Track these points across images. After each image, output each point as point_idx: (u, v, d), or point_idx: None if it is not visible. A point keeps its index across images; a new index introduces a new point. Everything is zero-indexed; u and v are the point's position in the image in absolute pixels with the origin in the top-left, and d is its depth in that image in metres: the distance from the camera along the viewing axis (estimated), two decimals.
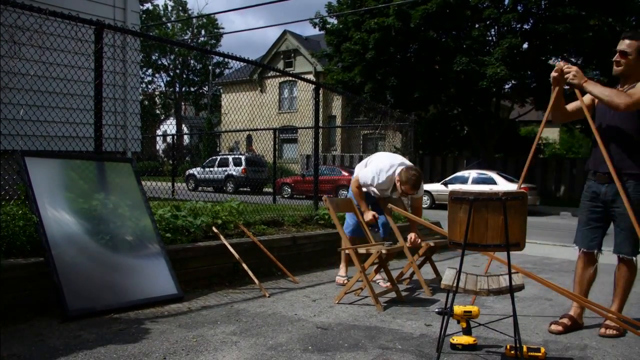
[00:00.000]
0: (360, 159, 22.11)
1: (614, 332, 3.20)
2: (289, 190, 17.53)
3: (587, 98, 3.37)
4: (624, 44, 3.18)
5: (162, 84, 44.24)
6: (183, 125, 39.50)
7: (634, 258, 3.25)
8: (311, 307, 3.77)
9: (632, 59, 3.16)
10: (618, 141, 3.21)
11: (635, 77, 3.18)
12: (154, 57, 42.04)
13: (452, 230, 2.60)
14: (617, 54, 3.22)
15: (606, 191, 3.25)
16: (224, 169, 17.96)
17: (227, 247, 4.34)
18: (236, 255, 4.31)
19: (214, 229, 4.60)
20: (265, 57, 31.57)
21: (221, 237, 4.48)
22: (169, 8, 43.85)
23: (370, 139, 25.53)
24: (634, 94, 3.06)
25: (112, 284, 3.47)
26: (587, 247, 3.35)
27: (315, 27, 22.63)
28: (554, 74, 3.28)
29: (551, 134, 33.28)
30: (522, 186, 3.91)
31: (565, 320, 3.32)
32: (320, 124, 6.63)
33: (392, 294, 4.12)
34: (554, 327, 3.29)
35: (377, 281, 4.58)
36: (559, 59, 3.40)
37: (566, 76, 3.22)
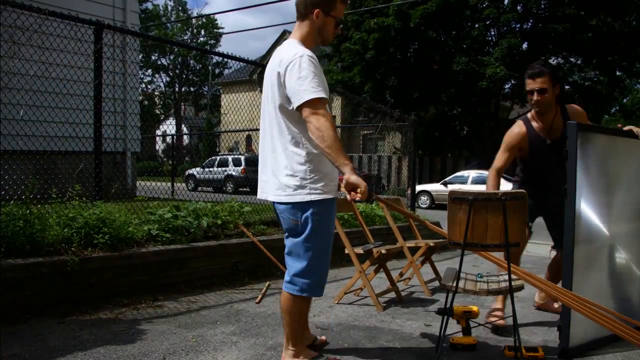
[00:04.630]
0: (360, 159, 22.12)
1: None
2: None
3: None
4: (539, 82, 3.23)
5: (161, 84, 44.28)
6: (182, 126, 39.50)
7: None
8: (311, 307, 3.76)
9: (550, 94, 3.25)
10: None
11: (552, 110, 3.31)
12: (153, 57, 42.04)
13: (452, 230, 2.60)
14: (536, 93, 3.24)
15: None
16: (223, 169, 17.94)
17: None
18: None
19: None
20: (264, 57, 31.57)
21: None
22: (169, 8, 43.90)
23: (370, 139, 25.56)
24: None
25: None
26: None
27: None
28: None
29: None
30: None
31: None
32: None
33: (392, 294, 4.12)
34: None
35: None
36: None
37: None
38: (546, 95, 3.24)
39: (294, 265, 2.47)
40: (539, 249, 7.34)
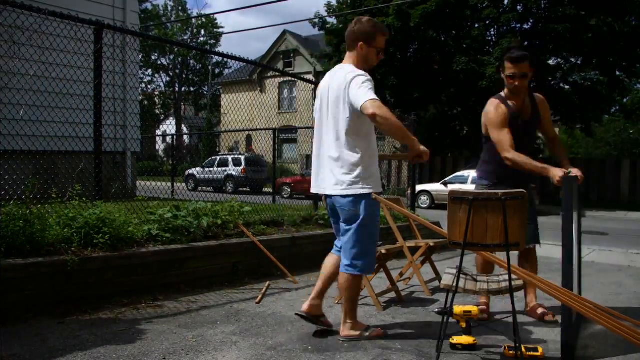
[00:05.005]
0: None
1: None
2: (289, 190, 17.52)
3: None
4: (521, 67, 3.29)
5: (161, 84, 44.29)
6: (183, 126, 39.51)
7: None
8: None
9: (528, 78, 3.36)
10: None
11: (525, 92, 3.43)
12: (153, 57, 42.04)
13: (452, 230, 2.60)
14: (517, 79, 3.31)
15: None
16: (223, 169, 17.96)
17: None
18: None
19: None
20: (264, 57, 31.57)
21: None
22: (169, 8, 43.90)
23: None
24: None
25: None
26: None
27: (315, 27, 22.63)
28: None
29: None
30: None
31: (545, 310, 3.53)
32: None
33: (392, 294, 4.12)
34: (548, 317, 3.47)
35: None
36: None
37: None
38: (526, 80, 3.32)
39: (352, 250, 2.97)
40: (539, 248, 7.33)
